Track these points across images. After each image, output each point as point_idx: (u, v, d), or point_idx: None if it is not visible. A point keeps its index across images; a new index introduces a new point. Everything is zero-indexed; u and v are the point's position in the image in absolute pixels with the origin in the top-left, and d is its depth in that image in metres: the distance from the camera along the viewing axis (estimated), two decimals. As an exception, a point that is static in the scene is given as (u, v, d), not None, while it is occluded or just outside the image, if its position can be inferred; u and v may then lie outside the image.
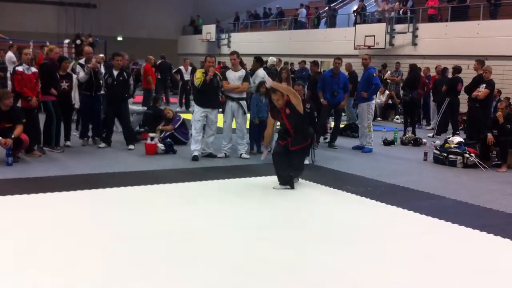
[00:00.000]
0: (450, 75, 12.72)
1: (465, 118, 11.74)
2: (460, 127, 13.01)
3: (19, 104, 8.05)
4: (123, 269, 4.00)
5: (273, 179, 6.91)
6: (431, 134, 12.45)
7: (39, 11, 29.06)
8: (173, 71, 17.15)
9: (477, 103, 10.23)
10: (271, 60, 12.29)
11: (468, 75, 12.66)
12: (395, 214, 5.89)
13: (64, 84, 8.86)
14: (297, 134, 6.76)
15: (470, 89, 10.49)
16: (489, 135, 8.69)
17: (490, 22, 16.52)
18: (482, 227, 5.38)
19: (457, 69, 12.42)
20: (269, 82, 6.94)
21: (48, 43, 15.77)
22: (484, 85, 10.16)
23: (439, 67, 14.66)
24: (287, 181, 6.73)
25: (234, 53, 8.93)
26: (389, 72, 17.13)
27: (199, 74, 8.52)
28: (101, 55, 12.03)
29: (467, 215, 5.90)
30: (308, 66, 15.60)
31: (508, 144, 8.65)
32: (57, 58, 9.01)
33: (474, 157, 8.75)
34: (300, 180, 7.09)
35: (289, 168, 6.76)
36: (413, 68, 12.46)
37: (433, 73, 14.87)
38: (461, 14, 17.79)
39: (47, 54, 9.10)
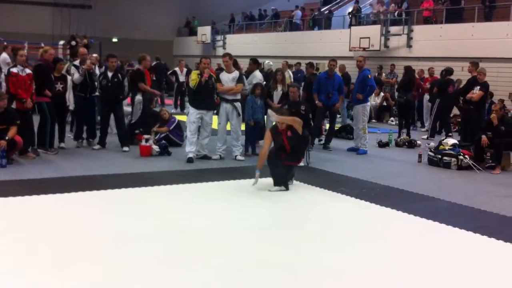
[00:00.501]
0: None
1: (459, 120, 11.76)
2: (455, 129, 13.05)
3: (13, 105, 8.02)
4: (122, 271, 3.99)
5: (268, 181, 6.90)
6: (425, 136, 12.48)
7: (34, 12, 28.92)
8: (169, 72, 17.13)
9: (471, 105, 10.26)
10: (268, 64, 12.03)
11: (462, 77, 12.70)
12: (389, 215, 5.89)
13: (59, 86, 8.83)
14: (293, 153, 6.89)
15: (464, 91, 10.52)
16: (483, 137, 8.70)
17: (484, 24, 16.59)
18: (476, 229, 5.39)
19: (449, 71, 12.46)
20: (275, 117, 7.00)
21: (43, 44, 15.73)
22: (479, 87, 10.18)
23: (431, 69, 14.72)
24: (281, 182, 6.76)
25: (226, 55, 8.93)
26: (384, 74, 17.17)
27: (194, 75, 8.52)
28: (95, 55, 11.99)
29: (461, 217, 5.91)
30: (303, 67, 15.61)
31: (502, 146, 8.68)
32: (51, 60, 8.99)
33: (468, 159, 8.77)
34: (294, 181, 7.10)
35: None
36: (408, 70, 12.49)
37: (426, 75, 14.90)
38: (455, 16, 17.85)
39: (41, 55, 9.07)
